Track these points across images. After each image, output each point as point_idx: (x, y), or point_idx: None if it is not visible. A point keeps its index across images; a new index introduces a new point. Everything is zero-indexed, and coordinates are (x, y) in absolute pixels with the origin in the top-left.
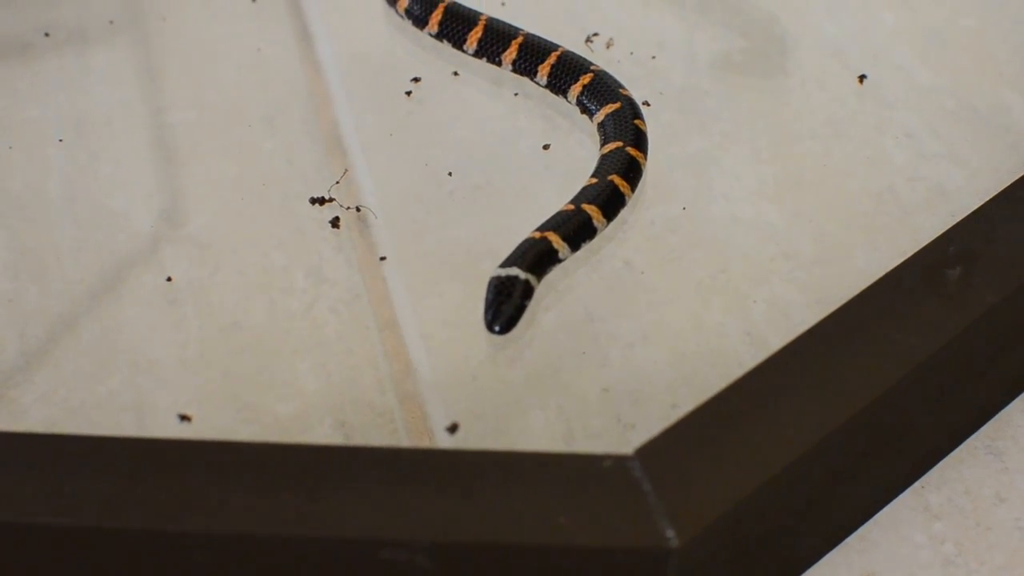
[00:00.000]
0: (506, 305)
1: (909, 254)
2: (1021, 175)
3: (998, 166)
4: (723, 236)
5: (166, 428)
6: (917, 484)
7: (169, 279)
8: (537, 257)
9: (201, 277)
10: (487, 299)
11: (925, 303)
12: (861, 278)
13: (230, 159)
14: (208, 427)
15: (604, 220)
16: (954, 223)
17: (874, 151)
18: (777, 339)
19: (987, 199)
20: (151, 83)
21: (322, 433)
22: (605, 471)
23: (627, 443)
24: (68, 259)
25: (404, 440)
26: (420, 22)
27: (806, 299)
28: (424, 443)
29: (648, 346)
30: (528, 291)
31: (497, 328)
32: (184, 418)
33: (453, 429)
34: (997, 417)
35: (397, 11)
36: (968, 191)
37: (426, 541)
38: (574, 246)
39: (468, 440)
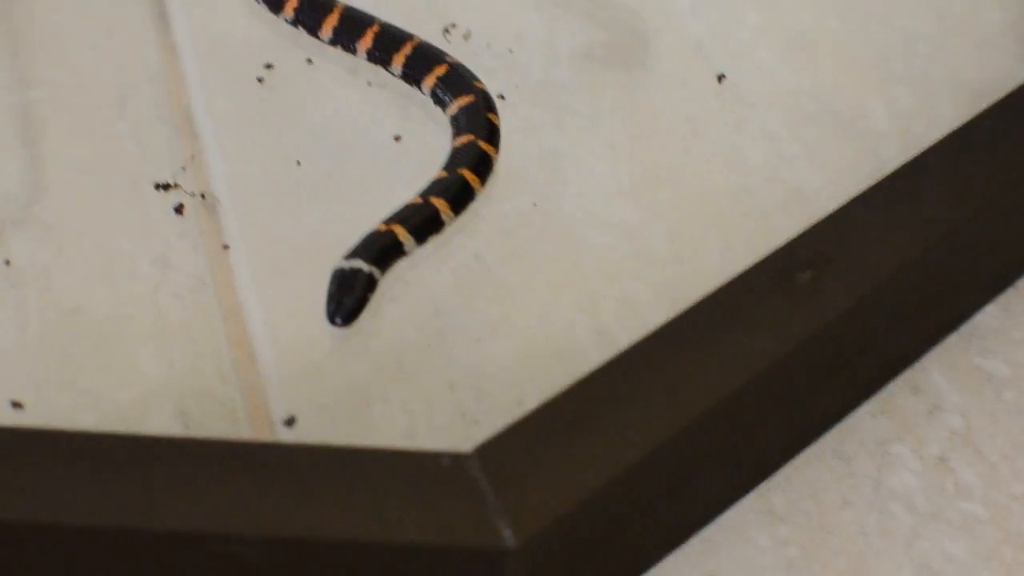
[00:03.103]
0: (348, 297)
1: (762, 254)
2: (877, 180)
3: (857, 170)
4: (576, 232)
5: (4, 411)
6: (762, 487)
7: (8, 262)
8: (382, 250)
9: (44, 259)
10: (329, 291)
11: (775, 306)
12: (714, 278)
13: (80, 140)
14: (45, 413)
15: (452, 214)
16: (809, 227)
17: (732, 151)
18: (627, 337)
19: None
20: (3, 59)
21: (161, 422)
22: (443, 469)
23: (471, 439)
24: None
25: (245, 431)
26: (275, 7)
27: (658, 298)
28: (265, 434)
29: (496, 341)
30: (371, 284)
31: (338, 320)
32: (16, 405)
33: (291, 422)
34: (845, 422)
35: None
36: (826, 194)
37: (258, 536)
38: (420, 239)
39: (310, 433)
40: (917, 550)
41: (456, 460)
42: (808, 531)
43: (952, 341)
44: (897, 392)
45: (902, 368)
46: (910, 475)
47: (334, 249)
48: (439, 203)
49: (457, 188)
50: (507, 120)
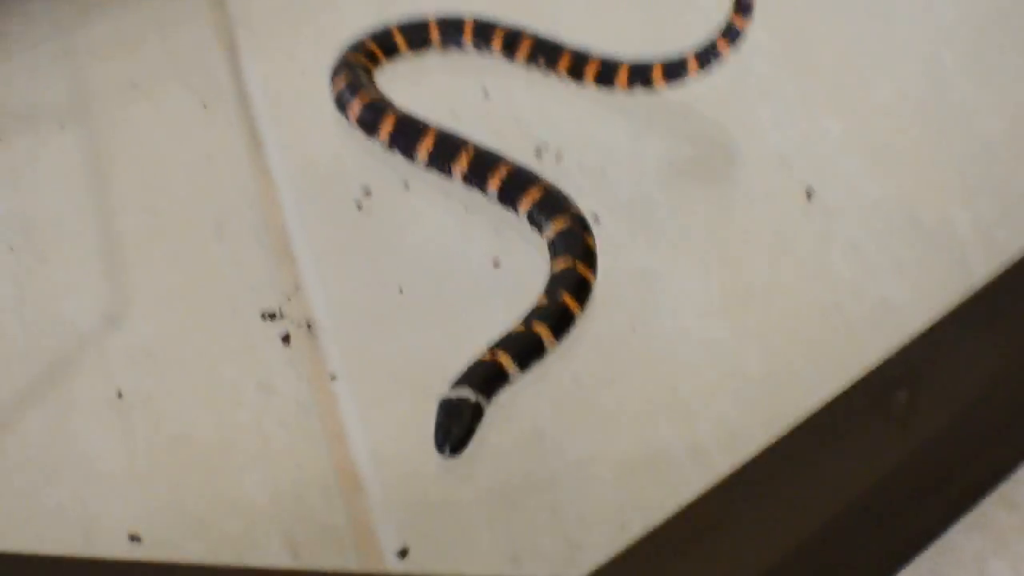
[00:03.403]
0: (456, 427)
1: (854, 371)
2: (966, 296)
3: (943, 282)
4: (670, 352)
5: (114, 544)
6: None
7: (118, 392)
8: (487, 378)
9: (149, 387)
10: (437, 421)
11: (873, 427)
12: (807, 396)
13: (179, 267)
14: (154, 542)
15: (554, 340)
16: (900, 342)
17: (820, 265)
18: (723, 459)
19: (932, 316)
20: (100, 186)
21: (271, 551)
22: None
23: (575, 564)
24: (15, 365)
25: (353, 559)
26: (371, 131)
27: (753, 418)
28: (374, 562)
29: (596, 465)
30: (478, 413)
31: (447, 450)
32: (134, 538)
33: (404, 554)
34: (941, 540)
35: (348, 119)
36: (913, 307)
37: None
38: (524, 366)
39: (416, 561)
40: None
41: None
42: None
43: None
44: (990, 507)
45: (996, 483)
46: None
47: (435, 373)
48: (541, 329)
49: (558, 314)
50: (600, 237)
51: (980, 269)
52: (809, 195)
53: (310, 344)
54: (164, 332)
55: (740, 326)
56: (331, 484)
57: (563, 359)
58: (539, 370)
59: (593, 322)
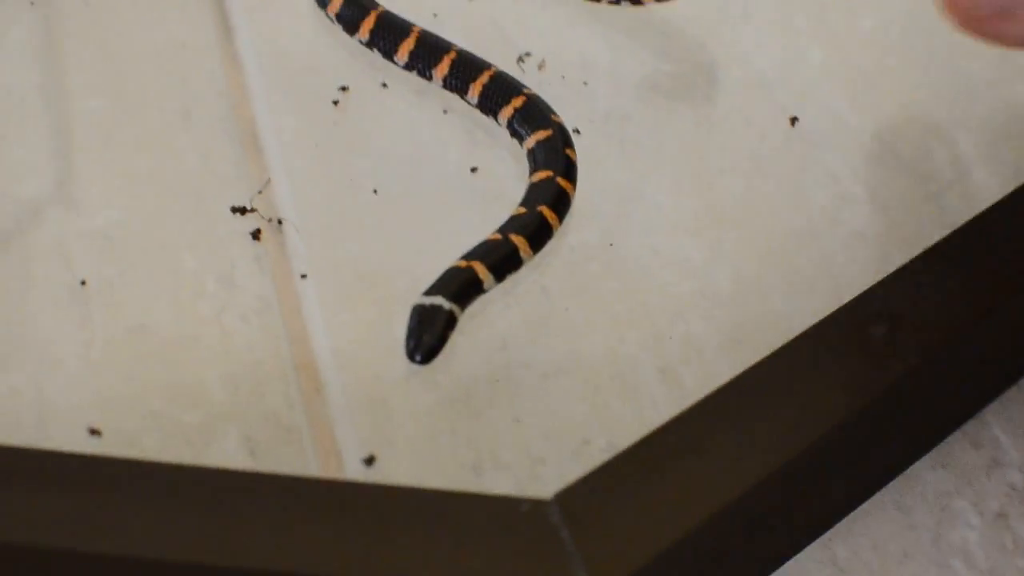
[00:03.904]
0: (428, 335)
1: (825, 298)
2: (943, 235)
3: (918, 215)
4: (642, 268)
5: (69, 432)
6: (825, 536)
7: (82, 280)
8: (462, 287)
9: (109, 275)
10: (410, 327)
11: (850, 360)
12: (777, 320)
13: (142, 153)
14: (111, 433)
15: (531, 252)
16: (873, 274)
17: (796, 191)
18: (691, 377)
19: (905, 250)
20: (67, 67)
21: (227, 447)
22: (523, 515)
23: (536, 478)
24: None
25: (311, 459)
26: (351, 28)
27: (721, 338)
28: (332, 464)
29: (561, 377)
30: (451, 322)
31: (418, 358)
32: (94, 432)
33: (370, 461)
34: (906, 474)
35: (327, 14)
36: (887, 238)
37: None
38: (499, 277)
39: (377, 466)
40: None
41: (536, 506)
42: None
43: (1012, 395)
44: (957, 445)
45: (963, 421)
46: (970, 530)
47: (403, 277)
48: (518, 241)
49: (536, 226)
50: (578, 152)
51: (955, 207)
52: (793, 122)
53: (275, 238)
54: (125, 219)
55: (713, 246)
56: (292, 384)
57: (535, 271)
58: (510, 280)
59: (566, 235)
